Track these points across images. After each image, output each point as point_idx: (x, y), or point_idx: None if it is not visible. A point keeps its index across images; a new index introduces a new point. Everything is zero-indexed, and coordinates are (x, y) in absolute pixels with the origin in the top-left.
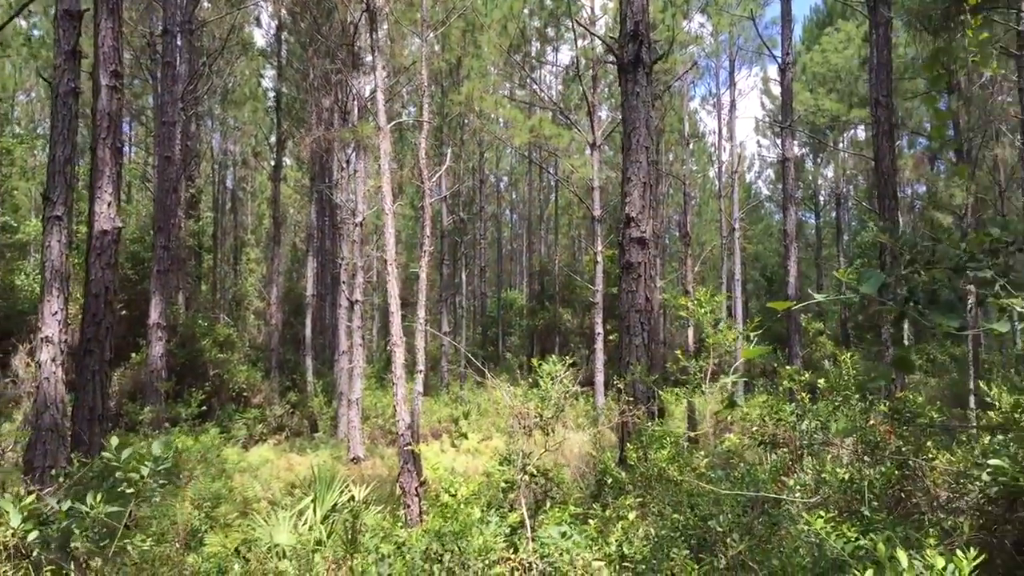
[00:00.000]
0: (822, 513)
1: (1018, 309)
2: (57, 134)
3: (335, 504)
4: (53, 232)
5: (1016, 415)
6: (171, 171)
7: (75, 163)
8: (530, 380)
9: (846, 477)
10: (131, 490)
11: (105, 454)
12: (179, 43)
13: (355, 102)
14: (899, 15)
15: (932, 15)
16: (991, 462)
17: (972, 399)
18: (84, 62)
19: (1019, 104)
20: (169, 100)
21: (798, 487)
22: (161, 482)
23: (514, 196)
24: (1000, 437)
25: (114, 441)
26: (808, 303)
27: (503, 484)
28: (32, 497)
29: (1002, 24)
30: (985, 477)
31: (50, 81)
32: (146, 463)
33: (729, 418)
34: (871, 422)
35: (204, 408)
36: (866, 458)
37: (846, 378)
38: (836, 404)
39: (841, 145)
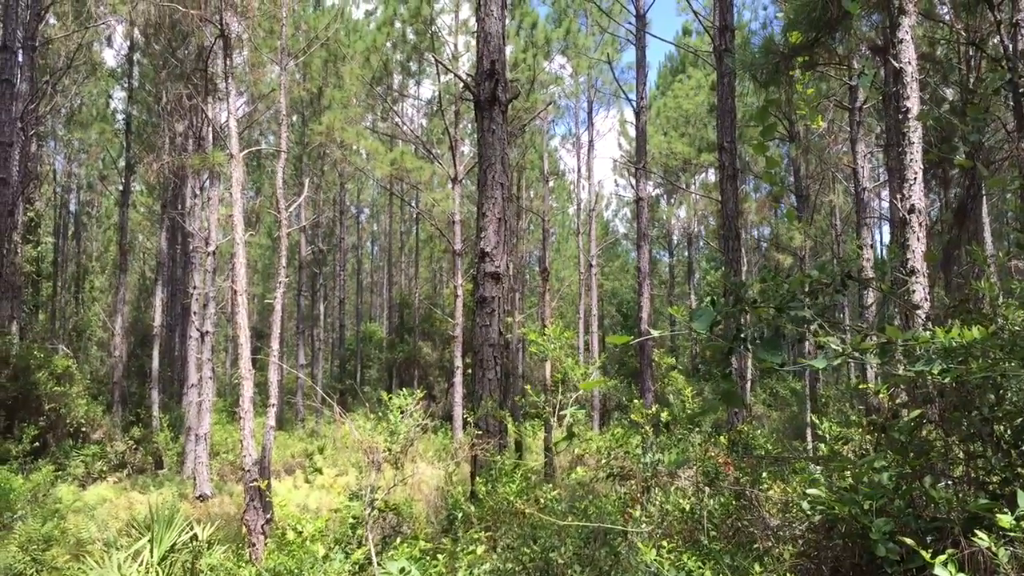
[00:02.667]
0: (664, 543)
1: (833, 346)
2: None
3: (174, 544)
4: None
5: (839, 447)
6: (7, 193)
7: None
8: (383, 414)
9: (687, 508)
10: None
11: None
12: (20, 60)
13: (210, 128)
14: (737, 67)
15: (763, 69)
16: (809, 491)
17: (808, 431)
18: None
19: (851, 153)
20: (7, 120)
21: (644, 518)
22: None
23: (375, 228)
24: (820, 467)
25: None
26: (646, 338)
27: (352, 520)
28: None
29: (836, 79)
30: (805, 506)
31: None
32: None
33: (584, 451)
34: (710, 454)
35: (37, 444)
36: (707, 489)
37: (688, 411)
38: (679, 437)
39: (692, 187)
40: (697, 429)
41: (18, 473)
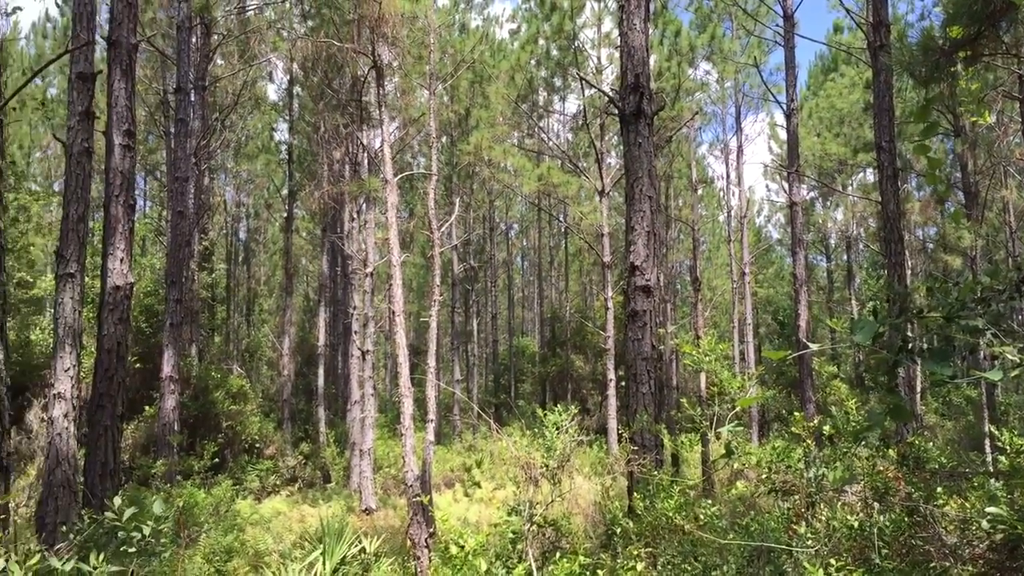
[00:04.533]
0: (832, 561)
1: (1010, 357)
2: (71, 193)
3: (344, 557)
4: (66, 289)
5: (1022, 461)
6: (184, 225)
7: (88, 220)
8: (539, 429)
9: (856, 524)
10: (132, 549)
11: (108, 514)
12: (192, 99)
13: (365, 154)
14: (894, 66)
15: (922, 67)
16: (989, 510)
17: (987, 443)
18: (98, 121)
19: None
20: (182, 156)
21: (809, 535)
22: (163, 540)
23: (524, 243)
24: (1000, 483)
25: (117, 500)
26: (805, 352)
27: (511, 535)
28: (37, 557)
29: (1004, 68)
30: (985, 524)
31: (64, 142)
32: (148, 522)
33: (744, 465)
34: (879, 469)
35: (217, 460)
36: (876, 504)
37: (853, 424)
38: (844, 451)
39: (849, 188)
40: (864, 442)
41: (200, 488)
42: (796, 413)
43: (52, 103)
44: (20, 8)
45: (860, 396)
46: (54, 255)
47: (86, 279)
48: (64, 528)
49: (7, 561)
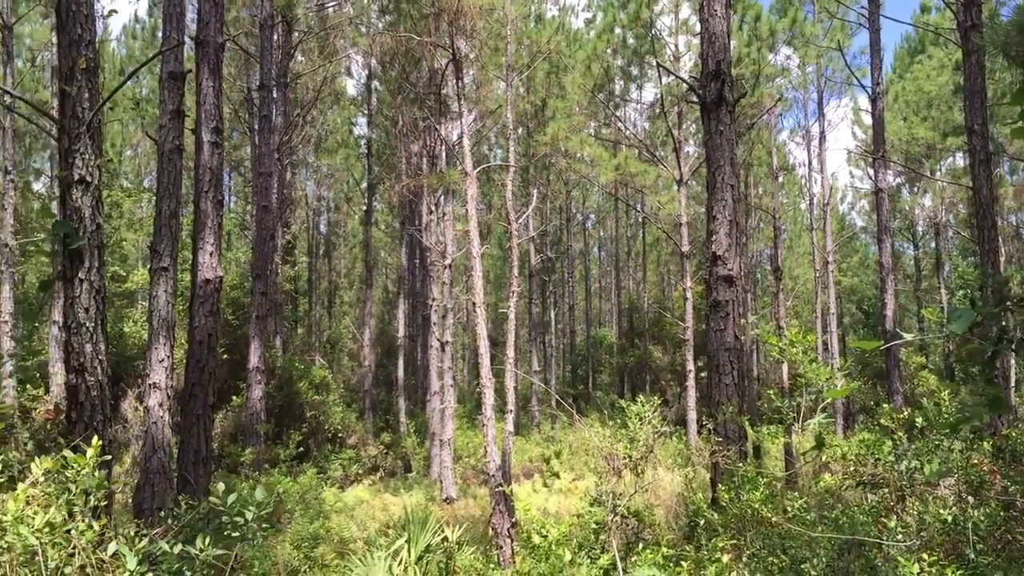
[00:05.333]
0: (924, 556)
1: None
2: (163, 189)
3: (428, 545)
4: (160, 283)
5: None
6: (268, 219)
7: (180, 216)
8: (619, 420)
9: (949, 519)
10: (236, 533)
11: (212, 499)
12: (275, 96)
13: (442, 146)
14: (987, 46)
15: (1018, 46)
16: None
17: None
18: (187, 119)
19: None
20: (266, 152)
21: (899, 529)
22: (264, 525)
23: (601, 233)
24: None
25: (220, 486)
26: (897, 343)
27: (594, 525)
28: (146, 540)
29: None
30: None
31: (156, 139)
32: (250, 508)
33: (831, 458)
34: (973, 462)
35: (301, 449)
36: (970, 498)
37: (945, 416)
38: (936, 443)
39: (938, 174)
40: (957, 435)
41: (286, 476)
42: (884, 405)
43: (141, 103)
44: (115, 11)
45: (950, 387)
46: (148, 249)
47: (177, 274)
48: (162, 513)
49: (118, 544)
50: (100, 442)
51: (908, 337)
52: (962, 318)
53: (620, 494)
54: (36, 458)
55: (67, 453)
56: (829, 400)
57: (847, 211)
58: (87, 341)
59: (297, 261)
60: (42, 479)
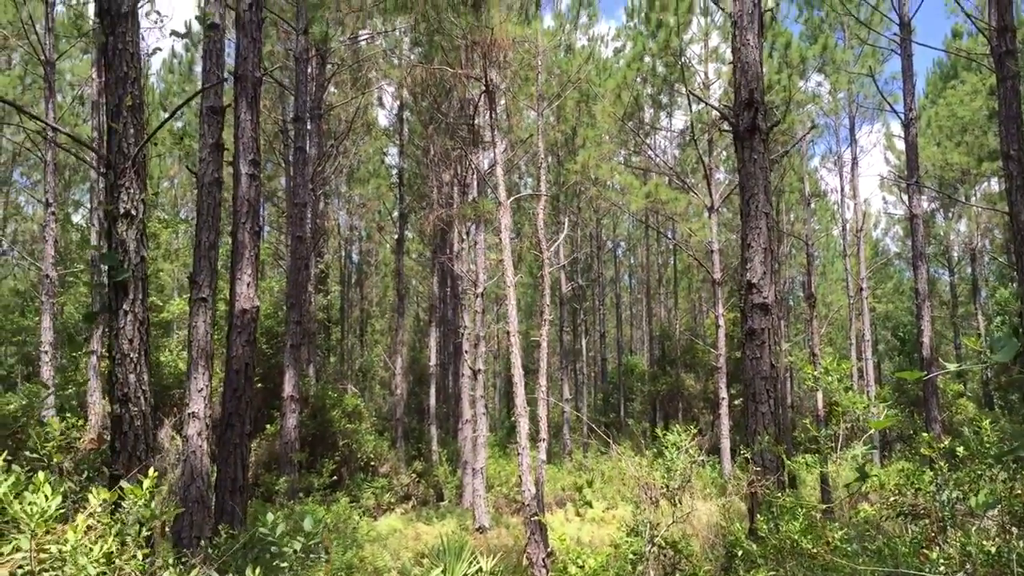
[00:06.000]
0: None
1: None
2: (202, 221)
3: (464, 574)
4: (199, 313)
5: None
6: (302, 250)
7: (218, 247)
8: (654, 448)
9: (993, 550)
10: (284, 564)
11: (261, 529)
12: (309, 128)
13: (474, 176)
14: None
15: None
16: None
17: None
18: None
19: None
20: (301, 182)
21: (942, 560)
22: (312, 556)
23: (632, 261)
24: None
25: (269, 516)
26: (939, 373)
27: (631, 556)
28: (196, 571)
29: None
30: None
31: (195, 172)
32: (299, 538)
33: (870, 488)
34: (1017, 492)
35: (334, 478)
36: (1014, 530)
37: (987, 445)
38: (979, 473)
39: (973, 199)
40: (1002, 465)
41: (320, 504)
42: (924, 434)
43: (179, 135)
44: (159, 49)
45: (990, 415)
46: (186, 280)
47: (215, 303)
48: (202, 543)
49: (168, 574)
50: (156, 474)
51: (951, 368)
52: (1006, 347)
53: (657, 524)
54: (91, 489)
55: (124, 484)
56: (870, 432)
57: (880, 237)
58: (131, 371)
59: (330, 290)
60: (99, 509)
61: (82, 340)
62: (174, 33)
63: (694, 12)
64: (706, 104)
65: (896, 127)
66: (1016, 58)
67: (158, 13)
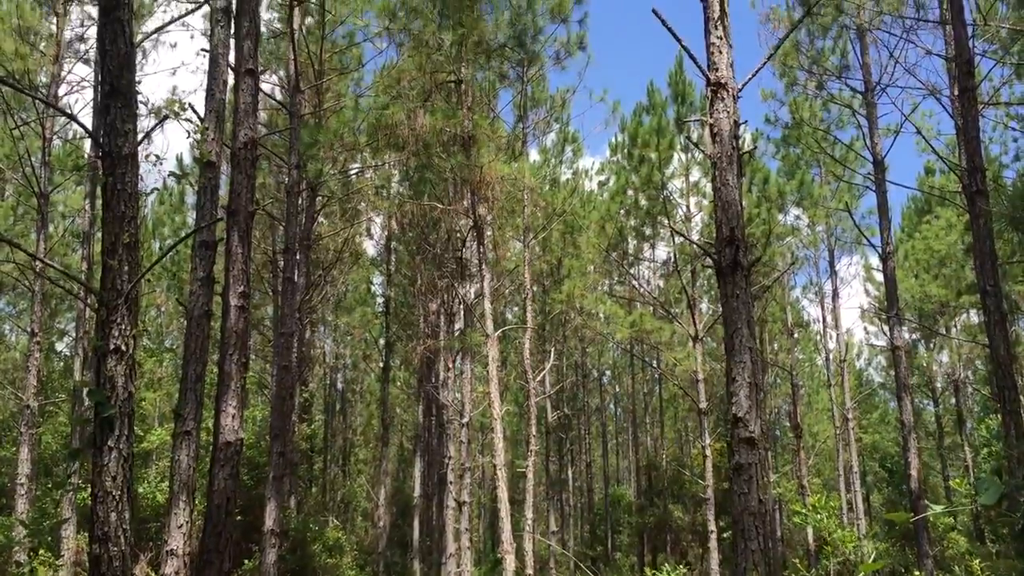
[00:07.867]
0: None
1: None
2: (190, 354)
3: None
4: (183, 446)
5: None
6: (288, 380)
7: (204, 379)
8: None
9: None
10: None
11: None
12: (298, 258)
13: (461, 306)
14: (993, 220)
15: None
16: None
17: None
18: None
19: None
20: (289, 312)
21: None
22: None
23: (617, 390)
24: None
25: None
26: (928, 515)
27: None
28: None
29: None
30: None
31: (186, 305)
32: None
33: None
34: None
35: None
36: None
37: None
38: None
39: (954, 331)
40: None
41: None
42: (917, 573)
43: (179, 272)
44: (157, 189)
45: (980, 549)
46: (172, 413)
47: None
48: None
49: None
50: None
51: (939, 509)
52: (990, 490)
53: None
54: None
55: None
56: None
57: (864, 367)
58: (112, 510)
59: (314, 419)
60: None
61: (64, 480)
62: (172, 174)
63: (675, 148)
64: (688, 240)
65: (874, 259)
66: (987, 197)
67: (156, 156)
